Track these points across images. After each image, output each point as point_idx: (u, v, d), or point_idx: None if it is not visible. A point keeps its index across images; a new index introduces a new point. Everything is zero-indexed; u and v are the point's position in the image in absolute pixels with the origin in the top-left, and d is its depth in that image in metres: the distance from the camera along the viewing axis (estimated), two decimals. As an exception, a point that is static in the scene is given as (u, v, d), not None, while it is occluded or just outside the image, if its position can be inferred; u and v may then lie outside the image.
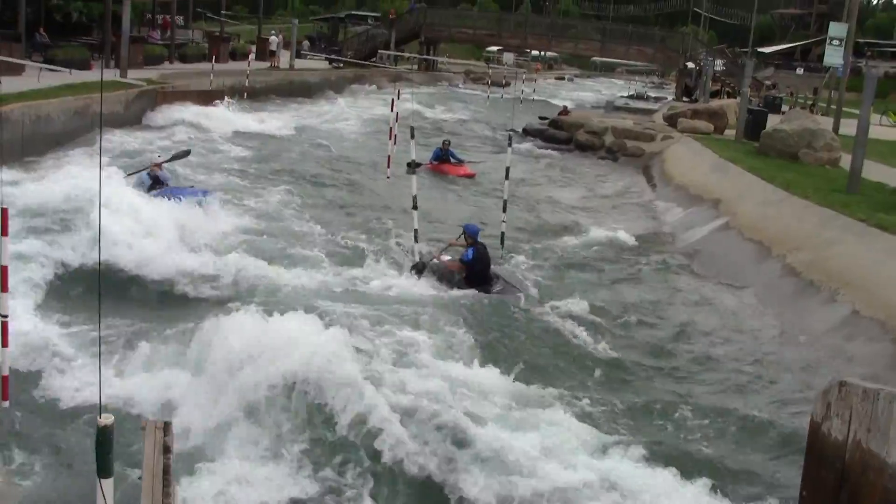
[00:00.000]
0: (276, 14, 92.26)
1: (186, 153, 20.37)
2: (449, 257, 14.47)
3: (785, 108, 41.93)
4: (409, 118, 24.31)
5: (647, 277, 15.91)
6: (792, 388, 10.83)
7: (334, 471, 7.92)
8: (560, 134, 34.27)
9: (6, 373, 8.21)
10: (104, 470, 4.63)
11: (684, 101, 49.11)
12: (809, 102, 49.78)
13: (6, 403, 8.15)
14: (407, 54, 66.27)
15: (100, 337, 6.46)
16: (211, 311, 11.60)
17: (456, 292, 13.14)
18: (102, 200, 13.76)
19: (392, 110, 21.58)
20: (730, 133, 31.63)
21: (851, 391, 6.04)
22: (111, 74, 29.36)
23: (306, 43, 61.22)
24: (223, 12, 50.43)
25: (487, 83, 57.69)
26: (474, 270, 13.61)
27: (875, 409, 5.91)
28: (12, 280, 9.06)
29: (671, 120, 34.59)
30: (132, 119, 27.24)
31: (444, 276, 13.73)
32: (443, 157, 25.71)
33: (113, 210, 14.61)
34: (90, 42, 36.79)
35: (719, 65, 51.93)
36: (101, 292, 12.39)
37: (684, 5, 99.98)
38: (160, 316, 11.68)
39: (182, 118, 28.78)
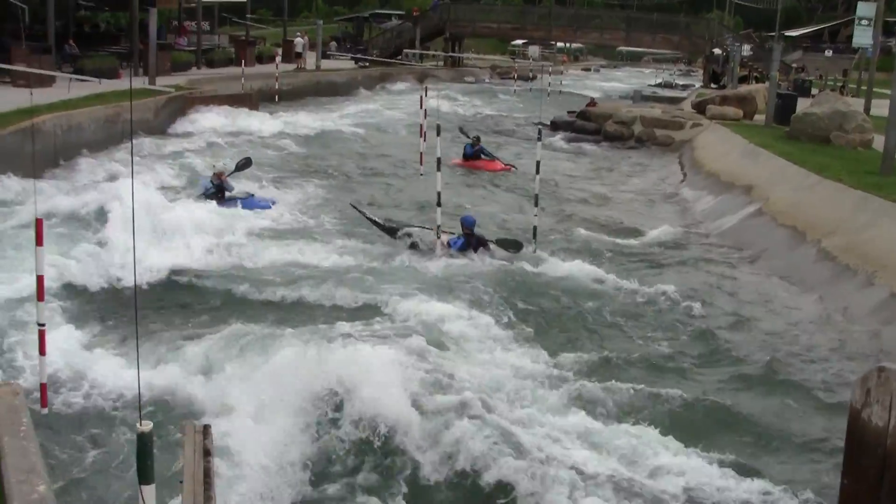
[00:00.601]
0: (301, 16, 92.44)
1: (248, 163, 20.27)
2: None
3: (814, 91, 41.49)
4: (437, 116, 24.30)
5: (680, 266, 15.80)
6: (830, 374, 10.71)
7: (375, 478, 7.95)
8: (589, 125, 34.12)
9: (45, 380, 8.30)
10: (145, 476, 4.64)
11: (712, 88, 48.75)
12: (839, 84, 49.24)
13: (45, 410, 8.23)
14: (432, 52, 66.21)
15: (137, 342, 6.49)
16: (249, 316, 11.72)
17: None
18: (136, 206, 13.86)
19: (421, 108, 21.62)
20: (759, 118, 31.34)
21: (891, 377, 5.94)
22: (140, 82, 29.59)
23: (333, 44, 61.37)
24: (248, 16, 50.64)
25: (514, 77, 57.56)
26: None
27: (917, 394, 5.81)
28: (49, 288, 9.16)
29: (700, 107, 34.35)
30: (162, 126, 27.41)
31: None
32: (474, 153, 25.53)
33: (149, 215, 14.75)
34: (118, 51, 37.10)
35: (746, 50, 51.40)
36: (138, 299, 12.50)
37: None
38: (199, 321, 11.75)
39: (212, 123, 28.91)
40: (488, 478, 7.69)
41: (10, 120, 19.23)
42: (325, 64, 50.15)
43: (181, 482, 5.81)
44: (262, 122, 30.35)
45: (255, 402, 8.52)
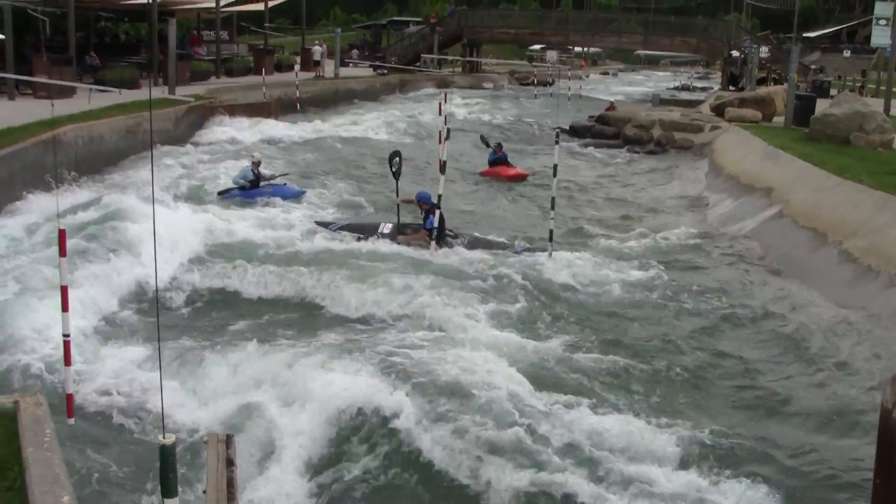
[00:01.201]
0: (319, 24, 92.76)
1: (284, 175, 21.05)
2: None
3: (833, 91, 41.22)
4: (448, 121, 24.26)
5: (700, 269, 15.72)
6: (857, 375, 10.61)
7: (396, 489, 7.94)
8: (607, 129, 34.02)
9: (70, 390, 8.31)
10: (168, 490, 4.62)
11: (730, 91, 48.50)
12: (858, 85, 48.88)
13: (72, 421, 8.24)
14: (450, 57, 66.25)
15: (160, 355, 6.49)
16: (270, 329, 11.73)
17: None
18: (158, 218, 13.90)
19: (440, 114, 21.59)
20: (778, 120, 31.13)
21: (921, 378, 5.86)
22: (159, 92, 29.70)
23: (355, 52, 61.48)
24: (266, 25, 50.80)
25: (533, 82, 57.51)
26: (441, 235, 15.32)
27: (945, 397, 5.72)
28: (73, 300, 9.17)
29: (718, 110, 34.17)
30: (182, 135, 27.51)
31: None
32: (497, 160, 25.33)
33: (170, 227, 14.80)
34: (138, 61, 37.30)
35: (764, 52, 51.15)
36: (160, 312, 12.54)
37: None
38: (223, 333, 11.78)
39: (232, 132, 29.01)
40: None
41: (31, 131, 19.34)
42: (344, 72, 50.28)
43: (205, 492, 5.81)
44: (283, 131, 30.44)
45: (278, 413, 8.52)
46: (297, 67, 41.07)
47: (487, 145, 26.22)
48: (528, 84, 62.53)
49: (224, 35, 48.59)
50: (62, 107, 23.45)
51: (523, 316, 12.28)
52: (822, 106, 28.31)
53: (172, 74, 30.40)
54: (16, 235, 15.21)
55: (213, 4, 42.09)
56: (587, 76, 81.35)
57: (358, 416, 8.63)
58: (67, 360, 8.22)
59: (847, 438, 8.94)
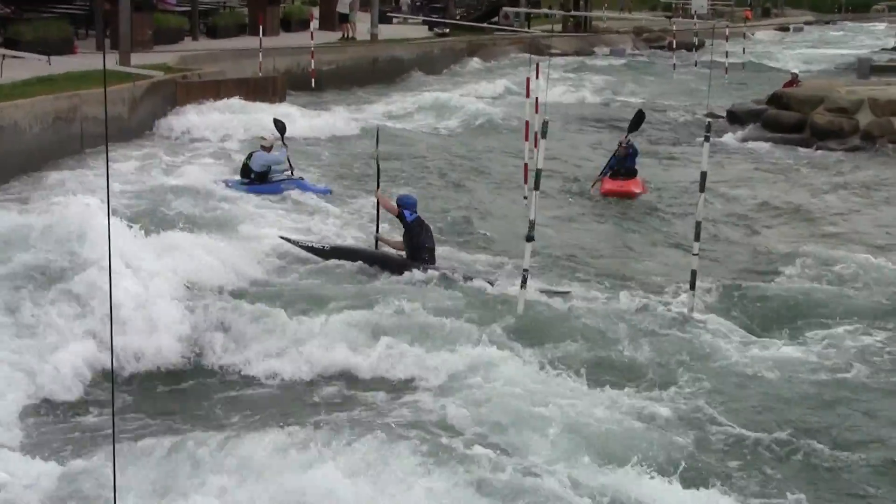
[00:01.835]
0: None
1: (283, 126, 23.70)
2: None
3: None
4: (554, 108, 24.29)
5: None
6: None
7: None
8: (786, 116, 33.75)
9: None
10: None
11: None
12: None
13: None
14: (545, 10, 66.48)
15: (114, 446, 6.57)
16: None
17: None
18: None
19: (527, 96, 21.61)
20: None
21: None
22: (108, 62, 29.91)
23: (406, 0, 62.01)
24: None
25: (671, 45, 57.43)
26: (417, 244, 17.23)
27: None
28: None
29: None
30: (140, 126, 27.91)
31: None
32: (619, 166, 24.64)
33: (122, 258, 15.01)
34: (72, 12, 37.70)
35: None
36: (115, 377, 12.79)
37: None
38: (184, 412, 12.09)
39: (216, 122, 29.29)
40: None
41: None
42: (385, 31, 50.58)
43: None
44: (291, 121, 30.49)
45: None
46: (314, 25, 41.49)
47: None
48: (661, 48, 62.53)
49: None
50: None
51: (662, 411, 12.32)
52: None
53: (126, 34, 30.63)
54: None
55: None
56: (753, 34, 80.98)
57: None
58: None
59: None
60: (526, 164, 21.88)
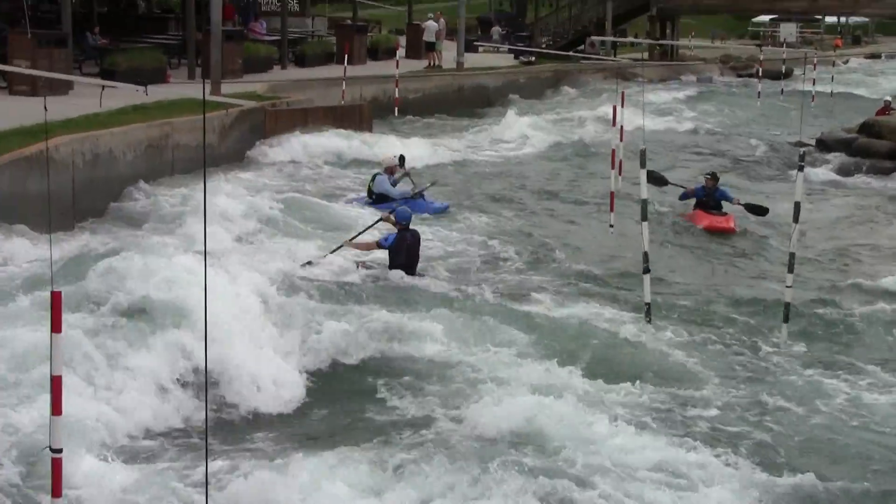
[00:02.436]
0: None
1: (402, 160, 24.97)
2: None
3: None
4: (632, 134, 24.13)
5: None
6: None
7: None
8: (878, 145, 33.28)
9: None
10: None
11: None
12: None
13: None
14: (631, 39, 66.29)
15: (207, 475, 6.61)
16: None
17: None
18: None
19: (613, 124, 21.55)
20: None
21: None
22: (197, 90, 29.86)
23: (496, 30, 61.94)
24: (356, -11, 51.88)
25: (757, 73, 57.04)
26: (397, 262, 17.77)
27: None
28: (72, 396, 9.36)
29: None
30: (230, 155, 28.03)
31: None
32: (707, 198, 24.46)
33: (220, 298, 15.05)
34: (165, 42, 38.18)
35: None
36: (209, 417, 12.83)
37: None
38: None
39: (306, 150, 29.57)
40: None
41: (8, 144, 19.76)
42: (471, 59, 50.71)
43: None
44: (374, 148, 30.51)
45: None
46: (400, 53, 41.56)
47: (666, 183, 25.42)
48: (749, 76, 61.96)
49: (293, 4, 49.56)
50: (52, 107, 23.84)
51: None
52: None
53: (216, 63, 30.93)
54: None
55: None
56: (845, 61, 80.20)
57: None
58: (57, 489, 8.35)
59: None
60: (612, 193, 21.79)
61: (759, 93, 52.14)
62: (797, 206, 15.53)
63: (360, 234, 19.08)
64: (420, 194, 23.80)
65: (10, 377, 12.31)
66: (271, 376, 13.75)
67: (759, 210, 23.87)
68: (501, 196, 26.71)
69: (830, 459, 12.02)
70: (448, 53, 49.79)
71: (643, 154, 15.68)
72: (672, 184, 25.03)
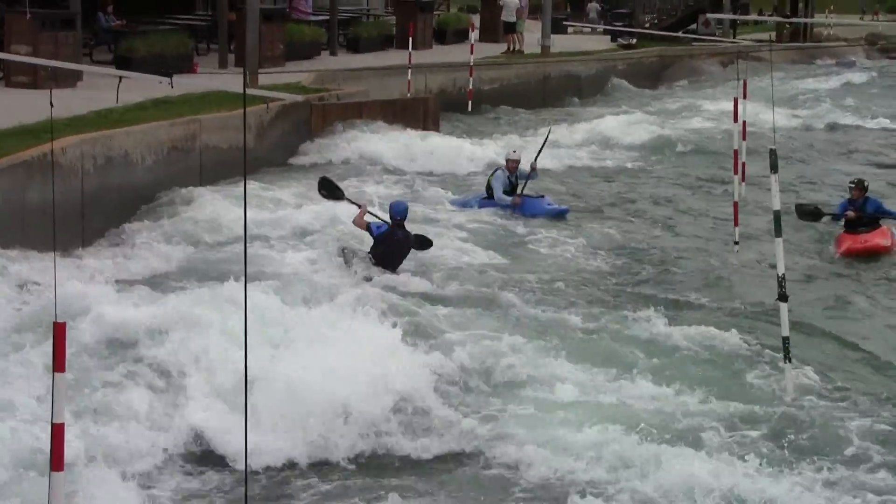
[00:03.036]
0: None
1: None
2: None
3: None
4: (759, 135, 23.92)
5: None
6: None
7: None
8: None
9: None
10: None
11: None
12: None
13: None
14: (754, 16, 66.10)
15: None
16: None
17: None
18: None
19: (735, 120, 21.38)
20: None
21: None
22: (229, 80, 30.11)
23: (594, 6, 61.87)
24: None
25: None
26: (382, 251, 19.58)
27: None
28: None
29: None
30: (269, 156, 28.07)
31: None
32: (857, 213, 23.72)
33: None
34: (192, 23, 38.37)
35: None
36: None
37: None
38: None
39: (360, 151, 29.44)
40: None
41: (4, 147, 19.78)
42: (559, 42, 50.49)
43: None
44: (442, 152, 30.31)
45: None
46: (473, 36, 41.54)
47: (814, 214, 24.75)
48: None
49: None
50: (58, 102, 23.88)
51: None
52: None
53: (253, 48, 31.01)
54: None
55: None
56: None
57: None
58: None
59: None
60: (735, 203, 21.54)
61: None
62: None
63: (375, 216, 20.32)
64: (522, 196, 24.99)
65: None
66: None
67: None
68: (612, 202, 26.84)
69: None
70: (531, 35, 49.63)
71: (773, 155, 15.32)
72: (829, 214, 24.30)
